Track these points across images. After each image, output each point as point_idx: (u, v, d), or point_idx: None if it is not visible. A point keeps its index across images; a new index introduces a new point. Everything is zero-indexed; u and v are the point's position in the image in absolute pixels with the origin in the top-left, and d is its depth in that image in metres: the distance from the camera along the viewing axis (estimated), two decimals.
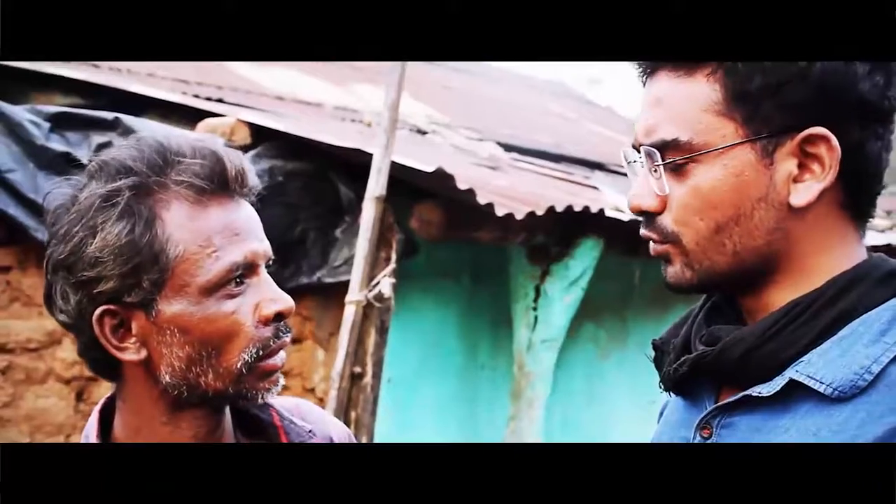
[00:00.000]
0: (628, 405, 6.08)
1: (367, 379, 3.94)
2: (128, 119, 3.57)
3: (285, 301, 1.20)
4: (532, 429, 5.00)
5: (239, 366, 1.17)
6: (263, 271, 1.20)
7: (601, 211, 4.48)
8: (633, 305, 6.03)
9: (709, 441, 1.14)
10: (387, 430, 4.49)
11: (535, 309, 4.97)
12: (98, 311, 1.15)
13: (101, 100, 4.24)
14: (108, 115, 3.54)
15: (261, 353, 1.18)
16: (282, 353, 1.21)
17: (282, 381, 1.22)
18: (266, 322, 1.18)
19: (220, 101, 4.91)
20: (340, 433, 1.39)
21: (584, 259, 4.88)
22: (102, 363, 1.21)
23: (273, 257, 1.22)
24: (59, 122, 3.45)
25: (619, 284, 5.66)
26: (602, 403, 6.06)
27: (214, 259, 1.15)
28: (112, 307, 1.15)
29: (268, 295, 1.19)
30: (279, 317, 1.19)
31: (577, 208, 4.36)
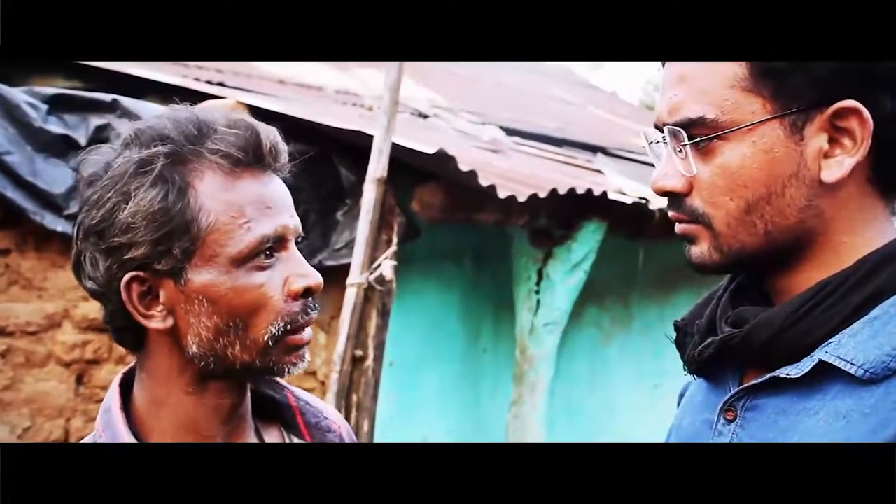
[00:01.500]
0: (631, 389, 6.07)
1: (369, 362, 3.93)
2: (126, 101, 3.55)
3: (314, 277, 1.19)
4: (534, 413, 4.99)
5: (266, 338, 1.16)
6: (293, 246, 1.20)
7: (604, 194, 4.46)
8: (636, 289, 6.00)
9: (733, 423, 1.12)
10: (388, 414, 4.48)
11: (537, 292, 4.96)
12: (126, 277, 1.14)
13: (101, 83, 4.22)
14: (107, 96, 3.52)
15: (288, 327, 1.17)
16: (308, 329, 1.21)
17: (307, 356, 1.22)
18: (295, 297, 1.17)
19: (221, 84, 4.89)
20: (342, 422, 1.39)
21: (586, 242, 4.86)
22: (127, 332, 1.20)
23: (303, 233, 1.22)
24: (57, 104, 3.43)
25: (622, 267, 5.64)
26: (605, 387, 6.05)
27: (246, 230, 1.14)
28: (141, 274, 1.14)
29: (297, 270, 1.18)
30: (307, 292, 1.18)
31: (580, 191, 4.34)
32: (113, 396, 1.22)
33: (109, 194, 1.14)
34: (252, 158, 1.17)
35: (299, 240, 1.22)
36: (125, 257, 1.14)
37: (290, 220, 1.19)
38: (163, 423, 1.20)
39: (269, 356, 1.17)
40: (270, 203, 1.17)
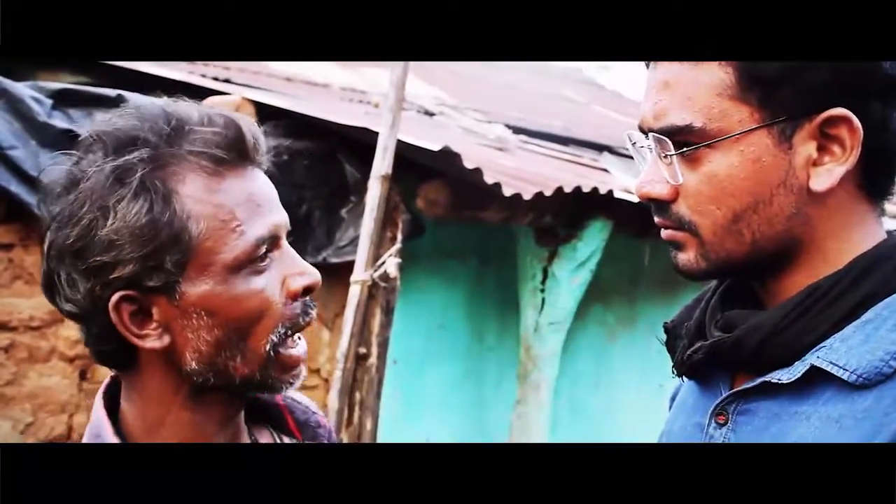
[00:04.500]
0: (636, 388, 6.06)
1: (372, 360, 3.92)
2: (131, 97, 3.53)
3: (312, 274, 1.13)
4: (539, 412, 4.98)
5: (267, 348, 1.10)
6: (286, 243, 1.13)
7: (610, 192, 4.44)
8: (641, 288, 5.99)
9: (724, 427, 1.11)
10: (392, 412, 4.47)
11: (542, 291, 4.94)
12: (115, 297, 1.06)
13: (107, 79, 4.21)
14: (112, 91, 3.51)
15: (289, 332, 1.11)
16: (303, 344, 1.15)
17: (304, 373, 1.16)
18: (294, 297, 1.11)
19: (227, 81, 4.88)
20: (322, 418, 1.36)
21: (592, 241, 4.84)
22: (115, 354, 1.12)
23: (290, 228, 1.15)
24: (62, 99, 3.42)
25: (628, 267, 5.63)
26: (609, 386, 6.03)
27: (239, 234, 1.07)
28: (130, 293, 1.06)
29: (294, 269, 1.12)
30: (307, 291, 1.12)
31: (586, 189, 4.32)
32: (101, 422, 1.15)
33: (83, 210, 1.05)
34: (236, 156, 1.09)
35: (289, 235, 1.16)
36: (111, 277, 1.05)
37: (280, 216, 1.12)
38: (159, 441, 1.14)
39: (269, 370, 1.11)
40: (260, 201, 1.10)
